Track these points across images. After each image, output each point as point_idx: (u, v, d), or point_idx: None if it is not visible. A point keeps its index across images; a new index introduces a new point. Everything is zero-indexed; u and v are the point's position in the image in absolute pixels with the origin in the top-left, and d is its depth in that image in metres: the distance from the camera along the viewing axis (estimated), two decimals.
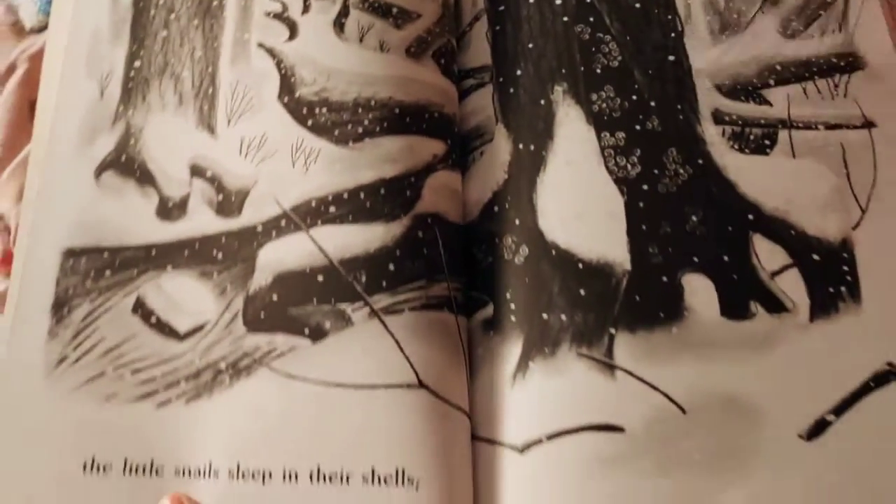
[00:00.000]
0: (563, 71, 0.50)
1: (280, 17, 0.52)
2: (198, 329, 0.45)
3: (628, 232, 0.46)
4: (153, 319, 0.45)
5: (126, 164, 0.49)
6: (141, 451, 0.42)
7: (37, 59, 0.55)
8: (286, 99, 0.49)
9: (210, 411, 0.43)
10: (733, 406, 0.41)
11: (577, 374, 0.43)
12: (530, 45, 0.52)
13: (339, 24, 0.51)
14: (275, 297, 0.45)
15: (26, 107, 0.55)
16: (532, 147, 0.49)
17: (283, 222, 0.46)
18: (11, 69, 0.56)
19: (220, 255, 0.46)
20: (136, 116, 0.50)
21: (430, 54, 0.52)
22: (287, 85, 0.50)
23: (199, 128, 0.49)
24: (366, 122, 0.48)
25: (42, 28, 0.57)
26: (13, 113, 0.54)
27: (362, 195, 0.47)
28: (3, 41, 0.57)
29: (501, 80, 0.52)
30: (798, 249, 0.45)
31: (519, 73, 0.51)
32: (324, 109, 0.49)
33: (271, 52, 0.51)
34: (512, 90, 0.51)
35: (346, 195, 0.47)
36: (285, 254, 0.45)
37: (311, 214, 0.46)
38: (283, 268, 0.45)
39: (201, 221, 0.47)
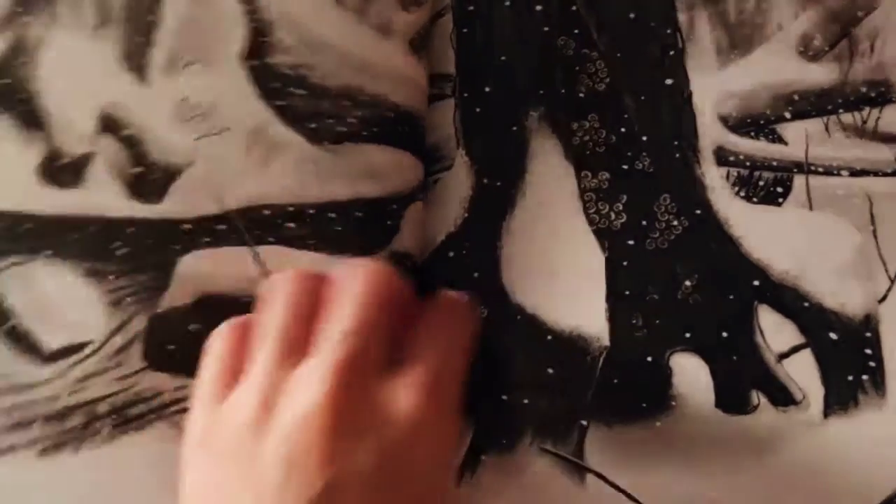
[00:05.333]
0: (541, 92, 0.42)
1: None
2: (72, 350, 0.34)
3: (608, 297, 0.38)
4: (10, 326, 0.35)
5: (6, 91, 0.36)
6: None
7: None
8: (254, 62, 0.37)
9: (73, 472, 0.33)
10: None
11: (539, 475, 0.36)
12: (502, 57, 0.43)
13: None
14: (194, 327, 0.35)
15: None
16: (498, 183, 0.41)
17: (220, 226, 0.36)
18: None
19: (123, 251, 0.35)
20: (35, 26, 0.36)
21: (426, 51, 0.42)
22: (258, 44, 0.37)
23: (123, 64, 0.36)
24: (350, 120, 0.38)
25: None
26: None
27: (333, 215, 0.37)
28: None
29: (466, 95, 0.43)
30: (811, 326, 0.37)
31: (487, 89, 0.43)
32: (300, 90, 0.38)
33: None
34: (478, 109, 0.43)
35: (312, 210, 0.37)
36: (217, 269, 0.35)
37: (261, 225, 0.36)
38: (211, 287, 0.35)
39: (103, 197, 0.35)
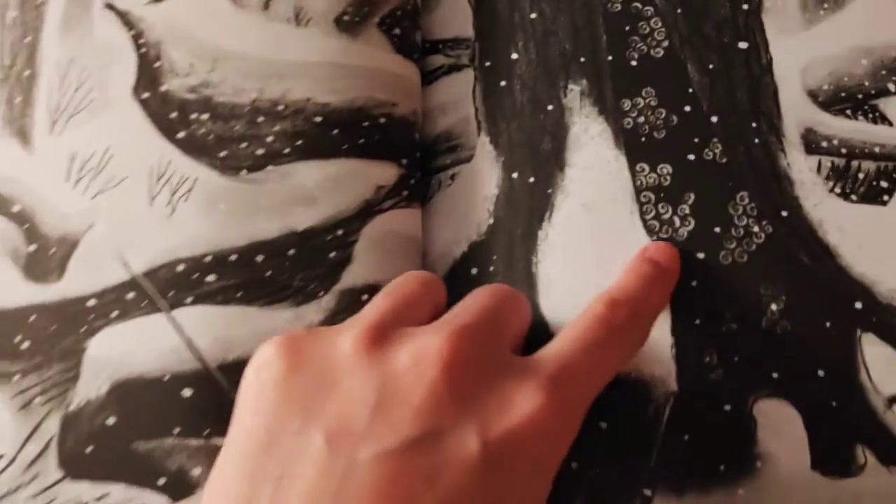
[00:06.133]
0: (582, 60, 0.34)
1: None
2: None
3: (674, 329, 0.30)
4: None
5: None
6: None
7: None
8: (146, 94, 0.33)
9: None
10: None
11: None
12: (533, 15, 0.35)
13: None
14: (111, 421, 0.30)
15: None
16: (532, 179, 0.33)
17: (130, 295, 0.31)
18: None
19: (25, 345, 0.31)
20: None
21: (375, 22, 0.35)
22: (148, 72, 0.34)
23: (5, 133, 0.34)
24: (269, 139, 0.33)
25: None
26: None
27: (260, 258, 0.32)
28: None
29: (488, 64, 0.35)
30: None
31: (515, 56, 0.35)
32: (204, 115, 0.33)
33: (126, 20, 0.34)
34: (504, 83, 0.35)
35: (233, 257, 0.32)
36: (132, 348, 0.31)
37: (176, 285, 0.31)
38: (128, 372, 0.30)
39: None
